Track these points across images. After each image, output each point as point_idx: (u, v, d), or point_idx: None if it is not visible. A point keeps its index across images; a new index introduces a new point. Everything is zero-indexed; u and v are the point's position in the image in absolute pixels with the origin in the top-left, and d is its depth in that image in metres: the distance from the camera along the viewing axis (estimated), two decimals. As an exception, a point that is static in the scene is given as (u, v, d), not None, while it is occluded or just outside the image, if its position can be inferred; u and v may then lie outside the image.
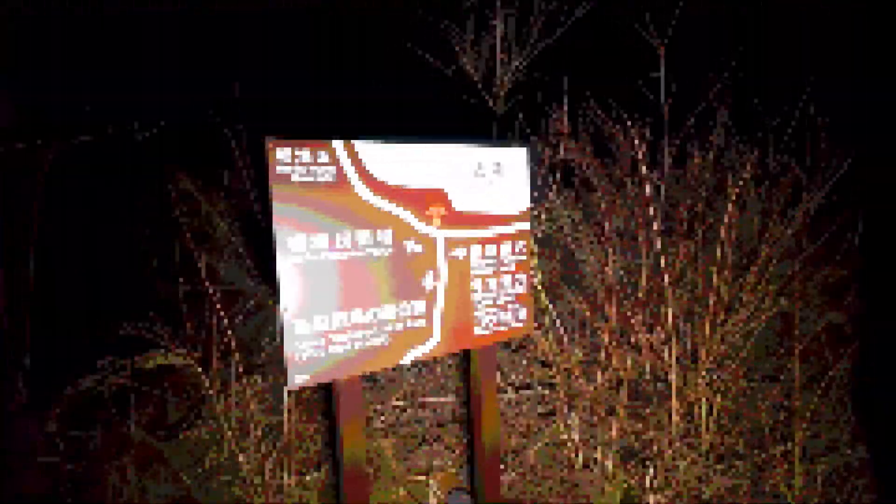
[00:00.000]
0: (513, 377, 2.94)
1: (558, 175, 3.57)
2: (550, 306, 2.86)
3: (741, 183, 2.33)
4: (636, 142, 2.36)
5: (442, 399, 2.84)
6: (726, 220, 2.27)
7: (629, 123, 2.51)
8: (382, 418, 2.71)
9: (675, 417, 2.25)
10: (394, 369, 3.09)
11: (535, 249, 3.43)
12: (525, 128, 3.89)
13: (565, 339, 2.65)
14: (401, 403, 2.81)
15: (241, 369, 2.13)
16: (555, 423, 2.46)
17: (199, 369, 2.03)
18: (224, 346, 2.19)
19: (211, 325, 2.29)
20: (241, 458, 1.95)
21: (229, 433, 2.02)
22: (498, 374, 2.94)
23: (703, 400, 2.28)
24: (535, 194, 3.69)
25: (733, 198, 2.28)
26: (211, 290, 2.12)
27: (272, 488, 2.00)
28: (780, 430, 2.30)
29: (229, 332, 2.10)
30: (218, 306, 2.15)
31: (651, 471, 2.10)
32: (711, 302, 2.28)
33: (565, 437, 2.33)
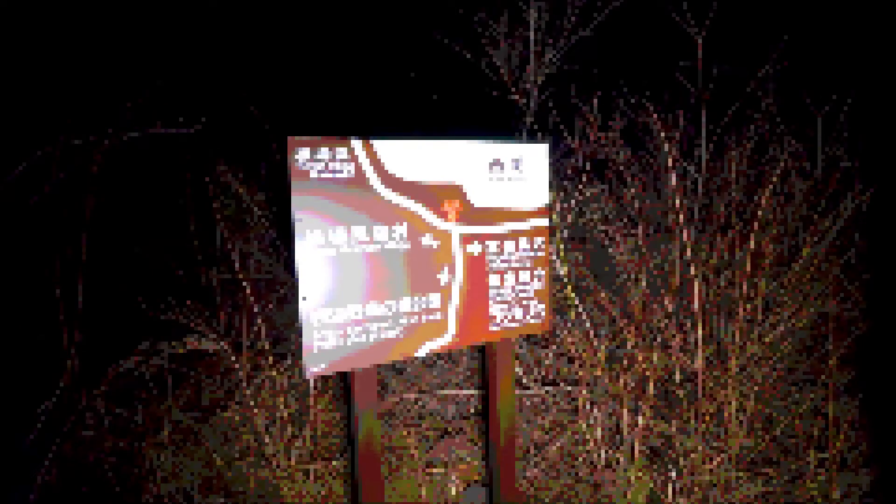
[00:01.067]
0: (538, 373, 2.93)
1: (587, 167, 3.51)
2: (577, 301, 2.83)
3: (778, 174, 2.22)
4: (662, 134, 2.28)
5: (465, 392, 2.86)
6: (760, 213, 2.17)
7: (654, 116, 2.43)
8: (407, 410, 2.76)
9: (702, 419, 2.18)
10: (423, 361, 3.14)
11: (563, 243, 3.39)
12: (557, 121, 3.83)
13: (592, 335, 2.61)
14: (425, 396, 2.85)
15: (270, 356, 2.23)
16: (577, 421, 2.43)
17: (232, 355, 2.13)
18: (256, 332, 2.29)
19: (244, 313, 2.39)
20: (268, 442, 2.04)
21: (258, 418, 2.11)
22: (522, 369, 2.93)
23: (734, 402, 2.20)
24: (566, 187, 3.64)
25: (767, 190, 2.17)
26: (245, 279, 2.22)
27: (298, 472, 2.08)
28: (818, 436, 2.19)
29: (259, 320, 2.19)
30: (250, 294, 2.25)
31: (675, 474, 2.05)
32: (742, 299, 2.19)
33: (588, 435, 2.30)
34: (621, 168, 3.26)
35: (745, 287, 2.23)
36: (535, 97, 4.34)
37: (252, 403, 2.16)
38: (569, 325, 2.91)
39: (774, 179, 2.19)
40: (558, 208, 3.46)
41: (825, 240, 2.73)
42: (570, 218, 3.49)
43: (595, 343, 2.58)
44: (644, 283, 2.58)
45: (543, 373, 2.94)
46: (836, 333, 2.28)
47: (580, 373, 2.45)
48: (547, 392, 2.82)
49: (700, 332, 2.19)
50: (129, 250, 3.19)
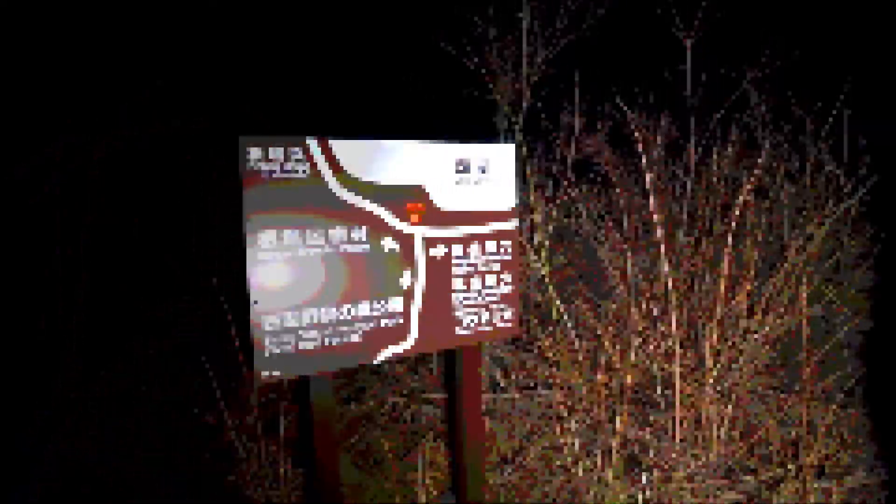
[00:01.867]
0: (516, 376, 2.90)
1: (573, 169, 3.49)
2: (559, 303, 2.80)
3: (757, 174, 2.19)
4: (637, 134, 2.26)
5: (444, 395, 2.83)
6: (732, 222, 2.14)
7: (633, 120, 2.41)
8: (384, 413, 2.73)
9: (679, 426, 2.15)
10: (400, 363, 3.11)
11: (547, 245, 3.36)
12: (547, 122, 3.82)
13: (574, 338, 2.58)
14: (402, 399, 2.82)
15: (240, 356, 2.19)
16: (555, 427, 2.40)
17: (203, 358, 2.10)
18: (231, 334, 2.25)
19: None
20: (238, 446, 2.01)
21: (229, 422, 2.08)
22: (501, 372, 2.90)
23: (712, 409, 2.17)
24: (551, 188, 3.62)
25: (746, 193, 2.15)
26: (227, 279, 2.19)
27: (268, 478, 2.05)
28: (797, 444, 2.16)
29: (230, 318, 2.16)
30: (220, 294, 2.22)
31: (646, 480, 2.02)
32: (718, 304, 2.16)
33: (565, 441, 2.27)
34: (607, 170, 3.25)
35: (723, 291, 2.20)
36: (526, 98, 4.32)
37: (223, 406, 2.13)
38: (549, 328, 2.88)
39: (752, 181, 2.16)
40: (542, 209, 3.44)
41: (811, 243, 2.71)
42: (552, 219, 3.46)
43: (576, 346, 2.56)
44: (623, 287, 2.55)
45: (524, 376, 2.91)
46: (815, 338, 2.26)
47: (558, 377, 2.43)
48: (528, 396, 2.79)
49: (676, 336, 2.16)
50: (126, 250, 3.16)
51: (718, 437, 2.18)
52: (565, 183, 3.44)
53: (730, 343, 2.29)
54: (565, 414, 2.36)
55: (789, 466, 2.00)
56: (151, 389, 2.34)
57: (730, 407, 2.17)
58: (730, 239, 2.12)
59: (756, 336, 2.22)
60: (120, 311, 2.71)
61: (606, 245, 3.11)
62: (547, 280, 2.93)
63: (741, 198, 2.12)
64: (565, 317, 2.66)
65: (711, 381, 2.14)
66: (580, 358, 2.48)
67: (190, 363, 2.59)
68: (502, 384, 2.82)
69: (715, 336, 2.17)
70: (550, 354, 2.58)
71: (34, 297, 2.63)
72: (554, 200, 3.53)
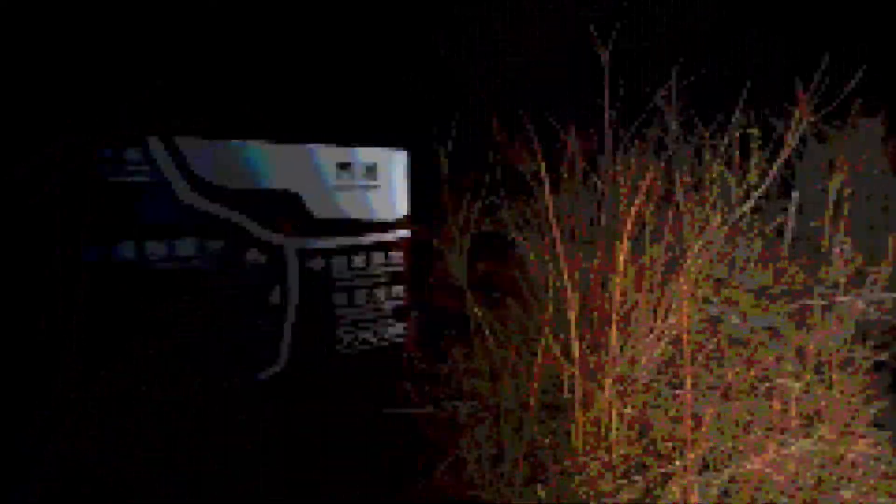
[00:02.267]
0: (434, 389, 2.82)
1: (495, 177, 3.49)
2: (477, 311, 2.75)
3: (647, 182, 2.26)
4: (536, 141, 2.27)
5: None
6: (628, 225, 2.19)
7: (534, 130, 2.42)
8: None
9: (580, 428, 2.16)
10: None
11: (467, 250, 3.32)
12: (475, 128, 3.80)
13: (489, 347, 2.54)
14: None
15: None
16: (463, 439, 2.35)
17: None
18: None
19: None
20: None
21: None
22: (414, 386, 2.82)
23: (611, 410, 2.20)
24: (471, 195, 3.59)
25: (640, 199, 2.20)
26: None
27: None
28: (685, 440, 2.24)
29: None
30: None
31: (547, 486, 2.01)
32: (611, 305, 2.21)
33: (468, 453, 2.22)
34: (528, 178, 3.27)
35: (618, 293, 2.24)
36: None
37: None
38: (465, 337, 2.83)
39: (646, 187, 2.22)
40: (462, 215, 3.41)
41: (709, 247, 2.85)
42: (480, 225, 3.44)
43: (493, 354, 2.52)
44: (532, 293, 2.55)
45: (437, 388, 2.84)
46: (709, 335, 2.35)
47: (467, 388, 2.37)
48: (455, 408, 2.72)
49: (577, 338, 2.17)
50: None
51: (617, 436, 2.22)
52: (485, 189, 3.43)
53: (630, 343, 2.34)
54: (473, 424, 2.31)
55: (677, 462, 2.07)
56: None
57: (628, 406, 2.22)
58: (626, 243, 2.17)
59: (656, 335, 2.28)
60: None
61: (529, 252, 3.12)
62: (465, 287, 2.88)
63: (634, 206, 2.17)
64: (482, 324, 2.62)
65: (611, 381, 2.17)
66: (495, 367, 2.45)
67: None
68: (415, 397, 2.74)
69: (615, 337, 2.21)
70: (463, 365, 2.52)
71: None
72: (474, 205, 3.51)
